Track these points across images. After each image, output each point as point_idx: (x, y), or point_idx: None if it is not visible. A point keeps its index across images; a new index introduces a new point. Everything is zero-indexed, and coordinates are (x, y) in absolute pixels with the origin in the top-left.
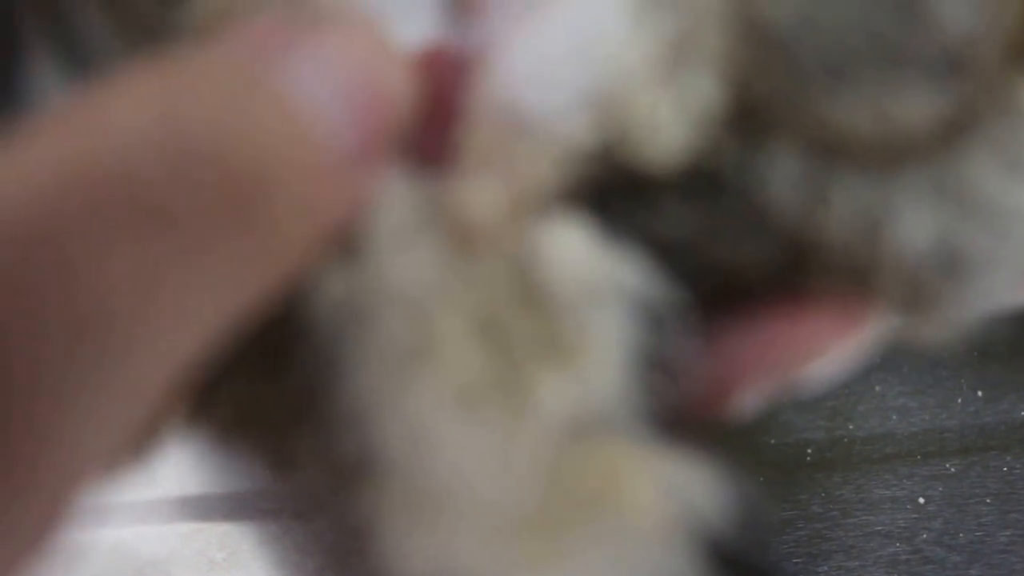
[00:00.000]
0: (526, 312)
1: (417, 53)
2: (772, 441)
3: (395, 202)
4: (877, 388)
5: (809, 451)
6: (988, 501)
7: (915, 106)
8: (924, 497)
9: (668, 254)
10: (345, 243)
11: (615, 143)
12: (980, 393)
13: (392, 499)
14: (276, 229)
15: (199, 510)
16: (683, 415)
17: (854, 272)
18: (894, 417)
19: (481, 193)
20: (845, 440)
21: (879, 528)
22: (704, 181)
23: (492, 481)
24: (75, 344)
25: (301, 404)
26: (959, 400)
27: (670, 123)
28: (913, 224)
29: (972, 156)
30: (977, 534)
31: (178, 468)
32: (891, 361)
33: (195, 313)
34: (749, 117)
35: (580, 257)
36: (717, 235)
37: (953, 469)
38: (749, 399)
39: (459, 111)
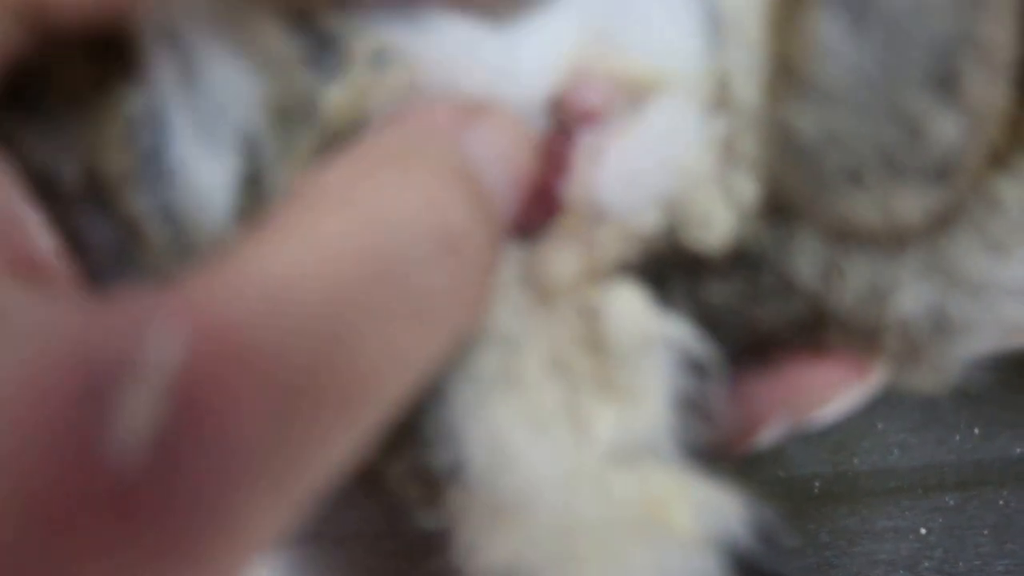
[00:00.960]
0: (591, 356)
1: (537, 141)
2: (782, 475)
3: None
4: (879, 426)
5: (816, 484)
6: (985, 532)
7: (912, 204)
8: (925, 528)
9: (711, 317)
10: None
11: (676, 229)
12: (977, 431)
13: (473, 505)
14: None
15: None
16: (717, 449)
17: (862, 331)
18: (896, 453)
19: (564, 260)
20: (850, 474)
21: (883, 557)
22: (744, 259)
23: (558, 493)
24: (312, 422)
25: (399, 427)
26: (957, 437)
27: (720, 215)
28: (911, 294)
29: (960, 239)
30: (975, 563)
31: None
32: (892, 401)
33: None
34: (779, 209)
35: (637, 314)
36: (752, 302)
37: (952, 502)
38: (771, 435)
39: (557, 194)
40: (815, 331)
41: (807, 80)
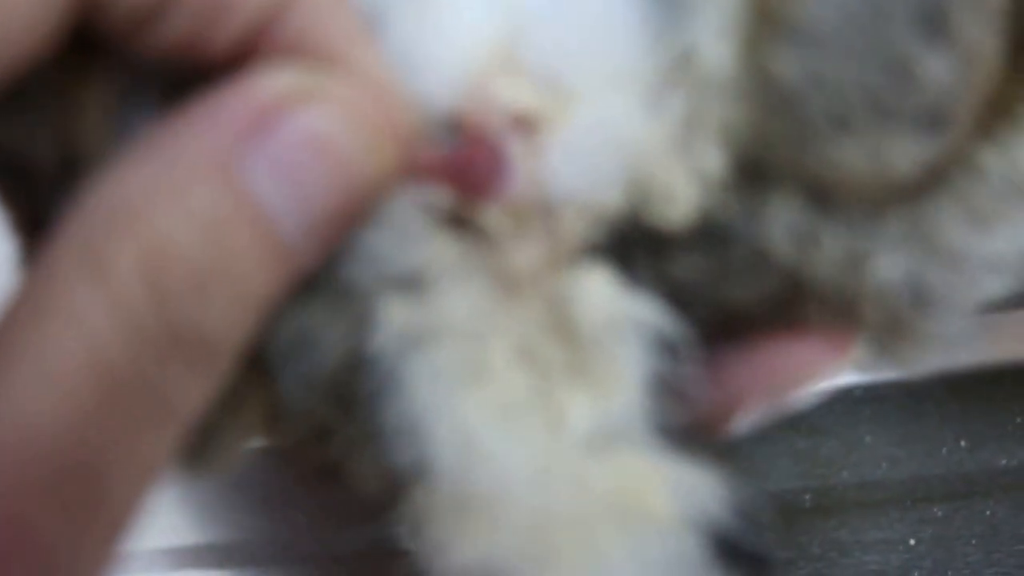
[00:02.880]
0: (560, 343)
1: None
2: (773, 489)
3: (451, 249)
4: (868, 439)
5: (807, 498)
6: (973, 543)
7: (904, 152)
8: (914, 539)
9: (681, 296)
10: (405, 283)
11: (638, 207)
12: (963, 443)
13: (441, 502)
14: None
15: (194, 559)
16: (693, 431)
17: (840, 303)
18: (884, 466)
19: (526, 249)
20: (840, 487)
21: (874, 567)
22: (713, 232)
23: (530, 486)
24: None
25: (357, 424)
26: (944, 450)
27: (683, 189)
28: (889, 262)
29: (941, 208)
30: (964, 573)
31: (172, 518)
32: (880, 415)
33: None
34: (751, 175)
35: (606, 298)
36: (723, 278)
37: (940, 513)
38: (750, 417)
39: (509, 183)
40: (791, 306)
41: (789, 23)
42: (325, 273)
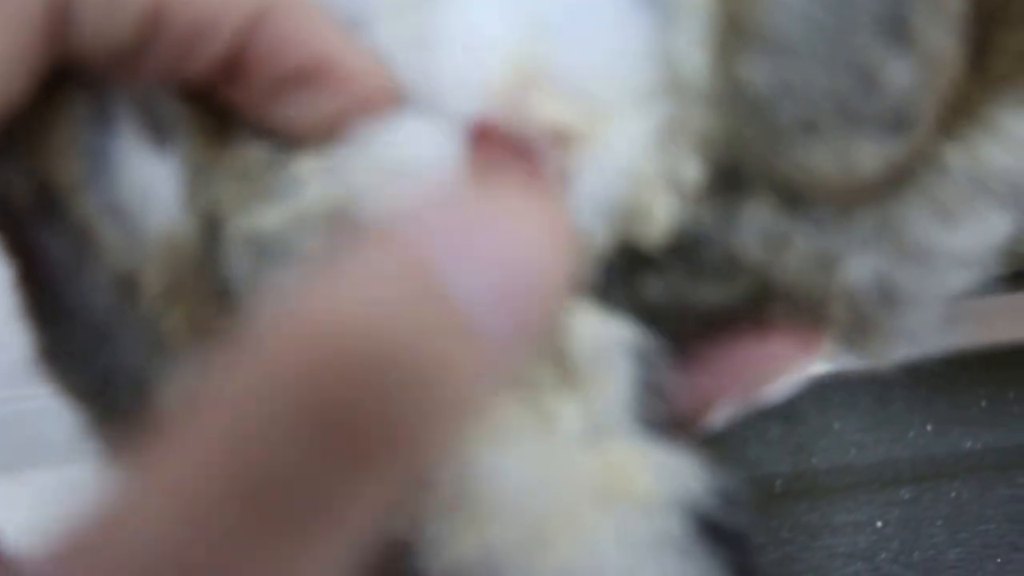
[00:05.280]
0: (550, 364)
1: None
2: (745, 475)
3: None
4: (836, 425)
5: (778, 483)
6: (939, 524)
7: (871, 153)
8: (882, 521)
9: (650, 311)
10: None
11: (621, 230)
12: (929, 427)
13: (439, 506)
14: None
15: None
16: (673, 424)
17: (809, 303)
18: (853, 451)
19: None
20: (809, 472)
21: (842, 550)
22: (684, 244)
23: (525, 487)
24: None
25: None
26: (911, 434)
27: (662, 206)
28: (858, 262)
29: (908, 206)
30: (930, 553)
31: None
32: (849, 401)
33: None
34: (725, 181)
35: (594, 324)
36: (694, 285)
37: (907, 496)
38: (725, 411)
39: None
40: (761, 306)
41: (758, 32)
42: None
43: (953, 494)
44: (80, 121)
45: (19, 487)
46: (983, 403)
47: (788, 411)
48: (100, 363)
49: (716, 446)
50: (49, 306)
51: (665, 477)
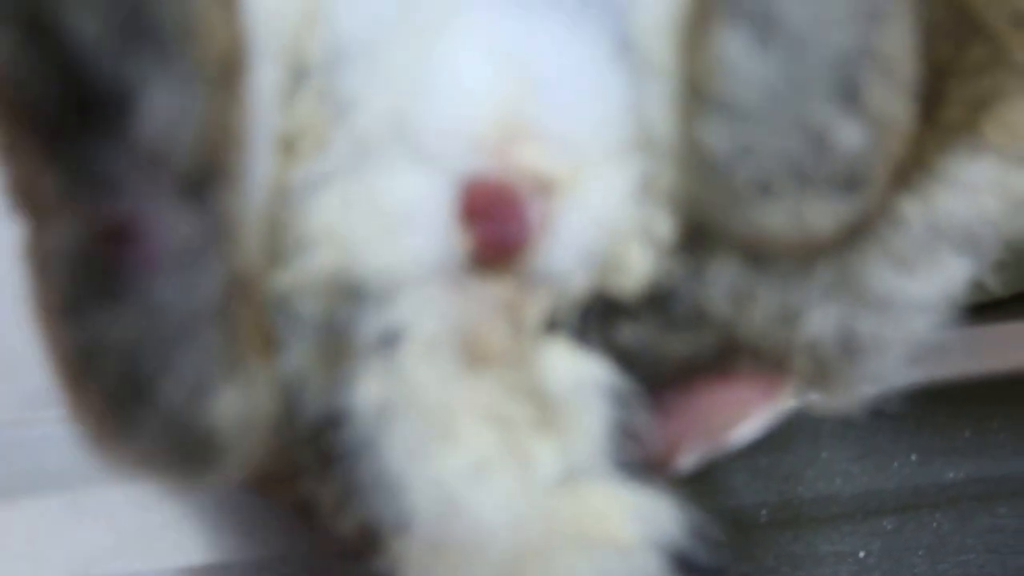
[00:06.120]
0: (528, 404)
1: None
2: (731, 504)
3: (424, 323)
4: (823, 455)
5: (763, 512)
6: (920, 554)
7: (823, 212)
8: (864, 551)
9: (626, 357)
10: (384, 341)
11: (598, 279)
12: (914, 457)
13: (418, 548)
14: None
15: None
16: (646, 466)
17: (773, 354)
18: (838, 481)
19: (497, 329)
20: (795, 502)
21: None
22: (656, 296)
23: (503, 528)
24: None
25: (343, 475)
26: (896, 464)
27: (638, 259)
28: (820, 315)
29: (866, 257)
30: None
31: (188, 536)
32: (837, 431)
33: None
34: (693, 240)
35: (570, 366)
36: (665, 335)
37: (890, 526)
38: (693, 454)
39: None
40: (726, 356)
41: (715, 98)
42: (326, 317)
43: (935, 524)
44: None
45: (18, 513)
46: (967, 433)
47: (778, 440)
48: (150, 366)
49: (702, 475)
50: (110, 287)
51: (640, 518)
